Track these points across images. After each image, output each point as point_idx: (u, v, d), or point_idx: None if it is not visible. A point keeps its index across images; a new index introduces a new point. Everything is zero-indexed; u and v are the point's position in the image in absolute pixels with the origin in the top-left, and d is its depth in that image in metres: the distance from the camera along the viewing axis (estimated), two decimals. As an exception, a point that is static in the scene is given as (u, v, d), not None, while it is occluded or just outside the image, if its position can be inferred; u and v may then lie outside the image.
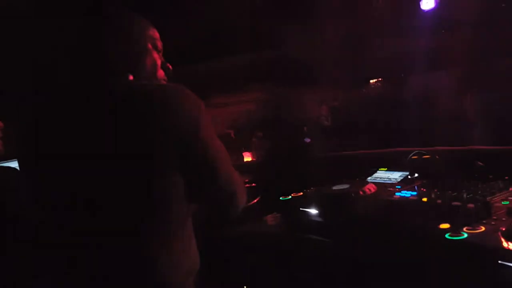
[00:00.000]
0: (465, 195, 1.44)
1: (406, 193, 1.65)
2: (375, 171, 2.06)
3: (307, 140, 2.87)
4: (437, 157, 1.80)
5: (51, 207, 1.20)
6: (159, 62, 1.27)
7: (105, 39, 1.17)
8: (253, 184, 2.40)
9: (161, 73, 1.28)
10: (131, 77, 1.20)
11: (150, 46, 1.24)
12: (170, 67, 1.31)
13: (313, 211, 1.77)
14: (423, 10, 5.12)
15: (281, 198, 2.01)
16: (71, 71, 1.18)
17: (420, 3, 5.12)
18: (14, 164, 1.55)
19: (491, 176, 1.60)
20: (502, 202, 1.36)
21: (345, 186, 1.85)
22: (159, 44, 1.27)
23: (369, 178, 2.00)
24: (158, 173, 1.09)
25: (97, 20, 1.20)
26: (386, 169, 2.02)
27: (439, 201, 1.44)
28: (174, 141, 1.07)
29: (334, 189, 1.82)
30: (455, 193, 1.50)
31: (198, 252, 1.26)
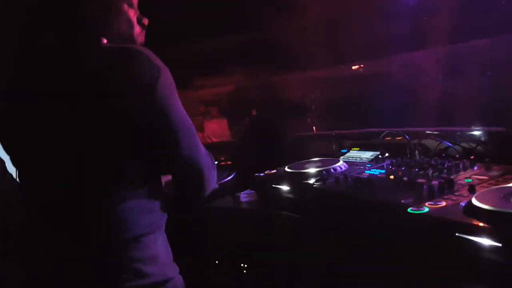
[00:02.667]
0: (430, 173, 1.47)
1: (375, 171, 1.68)
2: (348, 151, 2.09)
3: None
4: (407, 137, 1.83)
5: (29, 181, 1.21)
6: (134, 20, 1.22)
7: (76, 3, 1.14)
8: (229, 162, 2.42)
9: (137, 30, 1.24)
10: (104, 41, 1.17)
11: (125, 6, 1.19)
12: (146, 21, 1.27)
13: (285, 188, 1.80)
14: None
15: (255, 174, 2.03)
16: (38, 35, 1.15)
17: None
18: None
19: (457, 156, 1.64)
20: (466, 180, 1.40)
21: (318, 164, 1.88)
22: (134, 0, 1.23)
23: (341, 157, 2.03)
24: (116, 142, 1.07)
25: None
26: (358, 148, 2.05)
27: (405, 178, 1.48)
28: (128, 108, 1.04)
29: (306, 167, 1.85)
30: (421, 171, 1.53)
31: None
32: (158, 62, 1.08)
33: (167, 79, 1.09)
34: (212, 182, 1.26)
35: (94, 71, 1.05)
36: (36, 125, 1.12)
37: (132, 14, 1.22)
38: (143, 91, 1.04)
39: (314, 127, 2.69)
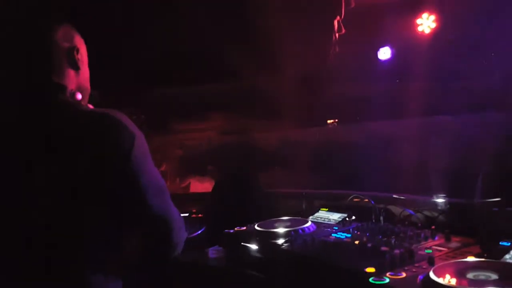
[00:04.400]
0: (393, 241, 1.53)
1: (342, 235, 1.73)
2: (317, 211, 2.13)
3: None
4: (372, 202, 1.90)
5: None
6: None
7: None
8: (200, 215, 2.43)
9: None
10: (77, 96, 1.23)
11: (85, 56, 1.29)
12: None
13: (254, 246, 1.82)
14: (380, 60, 5.42)
15: (224, 231, 2.04)
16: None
17: (378, 53, 5.43)
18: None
19: (419, 224, 1.70)
20: (426, 251, 1.46)
21: (287, 223, 1.92)
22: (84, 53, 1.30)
23: (310, 217, 2.07)
24: (87, 203, 1.11)
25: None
26: (327, 209, 2.10)
27: (369, 244, 1.52)
28: (101, 173, 1.09)
29: (275, 226, 1.88)
30: (385, 238, 1.59)
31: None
32: (134, 129, 1.15)
33: (141, 145, 1.15)
34: (181, 243, 1.28)
35: (74, 135, 1.11)
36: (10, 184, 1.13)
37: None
38: (118, 157, 1.10)
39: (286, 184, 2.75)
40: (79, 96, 1.24)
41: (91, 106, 1.26)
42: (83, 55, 1.31)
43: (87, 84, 1.33)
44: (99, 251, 1.15)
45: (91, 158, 1.09)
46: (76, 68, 1.27)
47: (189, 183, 5.62)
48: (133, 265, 1.28)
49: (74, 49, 1.26)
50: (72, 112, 1.17)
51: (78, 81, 1.29)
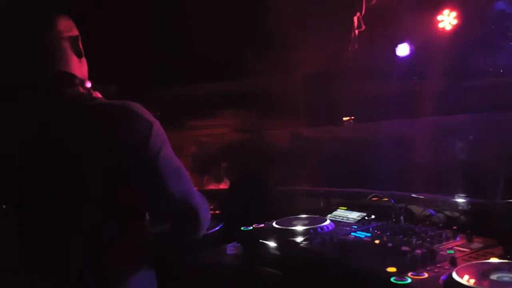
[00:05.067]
0: (414, 241, 1.51)
1: (361, 234, 1.72)
2: (335, 209, 2.12)
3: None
4: (393, 201, 1.88)
5: None
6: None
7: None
8: (217, 212, 2.43)
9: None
10: (86, 84, 1.25)
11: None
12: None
13: (272, 244, 1.82)
14: (398, 57, 5.35)
15: (242, 228, 2.04)
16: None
17: (396, 49, 5.36)
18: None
19: (441, 225, 1.68)
20: (447, 251, 1.44)
21: (305, 221, 1.91)
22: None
23: (328, 215, 2.06)
24: (110, 190, 1.13)
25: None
26: (345, 208, 2.09)
27: (390, 244, 1.51)
28: (124, 159, 1.12)
29: (293, 224, 1.87)
30: (406, 238, 1.57)
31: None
32: (150, 117, 1.18)
33: (158, 132, 1.17)
34: (207, 220, 1.30)
35: (96, 124, 1.14)
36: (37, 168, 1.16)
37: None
38: (137, 144, 1.13)
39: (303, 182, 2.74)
40: (88, 84, 1.27)
41: (99, 95, 1.28)
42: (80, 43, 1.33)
43: (86, 71, 1.35)
44: (120, 236, 1.18)
45: (110, 145, 1.12)
46: (80, 56, 1.30)
47: (205, 179, 5.64)
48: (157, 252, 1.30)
49: (77, 38, 1.29)
50: (87, 100, 1.20)
51: (82, 70, 1.31)
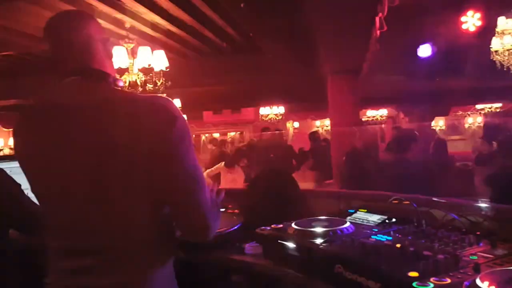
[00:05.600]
0: (436, 246, 1.49)
1: (382, 237, 1.70)
2: (355, 211, 2.10)
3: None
4: (415, 205, 1.86)
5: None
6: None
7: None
8: (236, 211, 2.44)
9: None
10: (118, 83, 1.33)
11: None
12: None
13: (291, 245, 1.81)
14: (420, 57, 5.29)
15: (261, 227, 2.04)
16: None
17: (418, 50, 5.29)
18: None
19: (464, 230, 1.66)
20: (471, 257, 1.42)
21: (324, 223, 1.90)
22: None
23: (348, 217, 2.04)
24: (128, 186, 1.18)
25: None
26: (365, 210, 2.07)
27: (411, 248, 1.49)
28: (139, 156, 1.15)
29: (313, 225, 1.86)
30: (428, 242, 1.55)
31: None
32: (176, 112, 1.21)
33: (181, 129, 1.20)
34: (214, 229, 1.30)
35: (126, 116, 1.19)
36: (64, 161, 1.21)
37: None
38: (160, 139, 1.17)
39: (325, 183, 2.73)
40: (120, 83, 1.35)
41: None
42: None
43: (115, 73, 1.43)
44: (146, 227, 1.22)
45: (133, 135, 1.16)
46: (110, 56, 1.38)
47: (221, 177, 5.65)
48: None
49: (106, 40, 1.36)
50: (119, 95, 1.28)
51: (113, 70, 1.38)
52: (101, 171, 1.18)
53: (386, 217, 1.92)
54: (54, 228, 1.28)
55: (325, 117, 10.27)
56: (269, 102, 9.33)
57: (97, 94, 1.25)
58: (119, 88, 1.34)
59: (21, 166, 1.31)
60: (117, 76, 1.44)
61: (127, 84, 4.50)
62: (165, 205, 1.26)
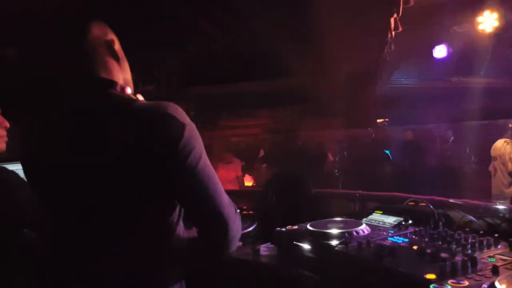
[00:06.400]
0: (454, 248, 1.48)
1: (398, 239, 1.69)
2: (371, 213, 2.10)
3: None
4: (431, 207, 1.84)
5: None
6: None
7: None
8: (251, 212, 2.44)
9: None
10: (126, 91, 1.27)
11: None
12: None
13: (306, 246, 1.81)
14: (435, 58, 5.24)
15: (276, 228, 2.05)
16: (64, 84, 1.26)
17: (433, 51, 5.25)
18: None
19: (481, 232, 1.64)
20: (489, 259, 1.40)
21: (340, 224, 1.90)
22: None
23: (364, 219, 2.04)
24: (138, 194, 1.15)
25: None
26: (381, 212, 2.06)
27: (428, 250, 1.48)
28: (151, 164, 1.13)
29: (328, 226, 1.86)
30: (445, 244, 1.54)
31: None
32: (184, 119, 1.17)
33: (191, 136, 1.17)
34: (237, 232, 1.26)
35: (133, 125, 1.15)
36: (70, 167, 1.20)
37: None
38: (167, 145, 1.13)
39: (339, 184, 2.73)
40: (128, 90, 1.28)
41: (141, 97, 1.29)
42: (119, 46, 1.34)
43: (129, 75, 1.36)
44: (153, 238, 1.20)
45: (143, 147, 1.13)
46: (118, 59, 1.30)
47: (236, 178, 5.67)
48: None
49: (112, 42, 1.29)
50: (123, 104, 1.21)
51: (123, 73, 1.32)
52: (100, 188, 1.16)
53: (402, 218, 1.91)
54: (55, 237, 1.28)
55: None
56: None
57: (96, 108, 1.20)
58: (127, 96, 1.26)
59: (24, 171, 1.31)
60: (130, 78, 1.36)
61: None
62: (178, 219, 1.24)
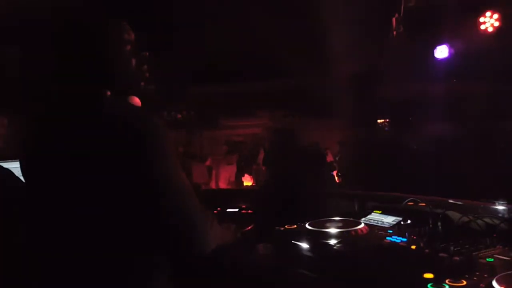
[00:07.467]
0: (452, 248, 1.48)
1: (397, 239, 1.69)
2: (370, 213, 2.09)
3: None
4: (430, 206, 1.84)
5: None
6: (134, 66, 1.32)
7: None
8: (250, 211, 2.44)
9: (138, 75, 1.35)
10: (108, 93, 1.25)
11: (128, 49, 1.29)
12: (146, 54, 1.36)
13: (304, 245, 1.81)
14: (437, 59, 5.23)
15: (275, 228, 2.04)
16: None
17: (434, 51, 5.24)
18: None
19: (480, 232, 1.64)
20: (487, 259, 1.40)
21: (339, 224, 1.89)
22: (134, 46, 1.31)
23: (362, 218, 2.03)
24: (118, 200, 1.15)
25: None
26: (380, 212, 2.06)
27: (427, 250, 1.48)
28: (128, 171, 1.13)
29: (327, 226, 1.86)
30: (443, 244, 1.54)
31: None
32: (143, 127, 1.16)
33: (161, 145, 1.17)
34: (208, 238, 1.24)
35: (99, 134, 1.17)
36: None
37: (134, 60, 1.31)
38: (133, 152, 1.13)
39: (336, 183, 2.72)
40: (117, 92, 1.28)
41: (137, 100, 1.29)
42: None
43: (138, 73, 1.37)
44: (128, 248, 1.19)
45: (106, 151, 1.14)
46: (139, 63, 1.32)
47: (235, 178, 5.67)
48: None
49: (135, 42, 1.30)
50: (103, 108, 1.21)
51: (142, 77, 1.35)
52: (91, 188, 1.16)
53: (401, 218, 1.91)
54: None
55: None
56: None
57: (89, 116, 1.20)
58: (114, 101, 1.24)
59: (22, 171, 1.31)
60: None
61: None
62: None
